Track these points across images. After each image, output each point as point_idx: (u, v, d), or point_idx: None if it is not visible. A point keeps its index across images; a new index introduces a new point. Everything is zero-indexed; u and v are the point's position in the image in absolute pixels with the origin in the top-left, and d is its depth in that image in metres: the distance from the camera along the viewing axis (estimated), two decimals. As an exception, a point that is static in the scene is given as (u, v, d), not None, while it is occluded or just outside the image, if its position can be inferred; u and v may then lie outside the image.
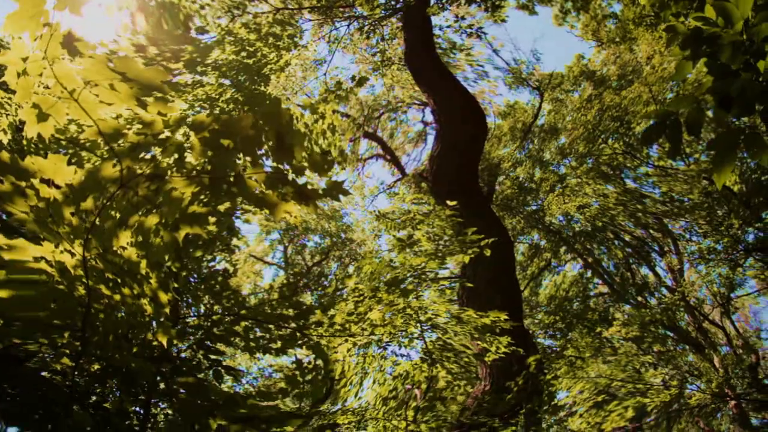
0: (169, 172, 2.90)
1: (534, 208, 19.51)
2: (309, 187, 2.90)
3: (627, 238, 20.45)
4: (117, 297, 3.01)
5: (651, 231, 20.19)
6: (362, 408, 6.89)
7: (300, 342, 4.82)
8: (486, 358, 6.84)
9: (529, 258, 20.52)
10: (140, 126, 2.78)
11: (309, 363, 5.19)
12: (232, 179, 2.84)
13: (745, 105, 2.96)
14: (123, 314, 3.20)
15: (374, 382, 6.93)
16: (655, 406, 13.46)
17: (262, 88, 10.25)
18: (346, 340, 5.72)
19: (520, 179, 19.65)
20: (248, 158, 2.86)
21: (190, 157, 2.93)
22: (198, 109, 8.78)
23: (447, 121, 10.75)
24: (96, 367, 3.48)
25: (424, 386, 6.67)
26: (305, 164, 2.90)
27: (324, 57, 17.17)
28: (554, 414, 13.58)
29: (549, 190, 18.60)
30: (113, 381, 3.62)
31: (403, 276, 6.29)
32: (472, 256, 6.97)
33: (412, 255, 6.75)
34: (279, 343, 4.71)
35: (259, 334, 4.89)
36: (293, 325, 4.87)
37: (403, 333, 6.47)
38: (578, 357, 15.27)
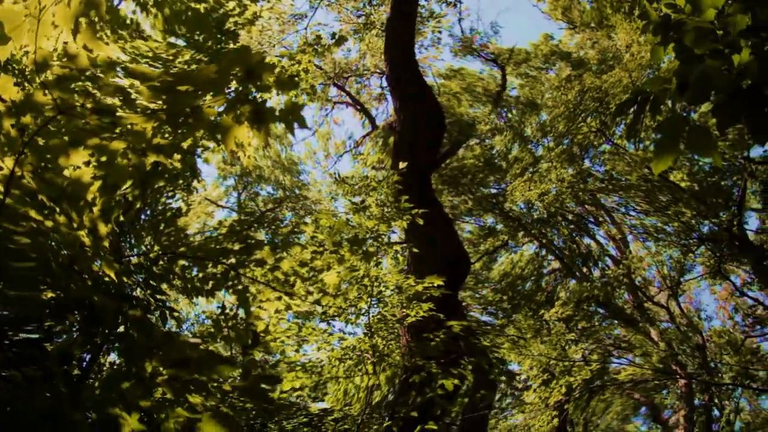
0: (119, 110, 2.84)
1: (494, 191, 19.53)
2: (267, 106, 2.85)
3: (570, 216, 20.87)
4: (49, 223, 2.93)
5: (586, 206, 20.66)
6: (316, 363, 7.03)
7: (229, 283, 4.73)
8: (405, 322, 7.22)
9: (481, 237, 20.55)
10: (65, 59, 2.70)
11: (231, 310, 5.14)
12: (189, 112, 2.77)
13: (699, 92, 2.94)
14: (55, 243, 3.12)
15: (319, 349, 7.10)
16: (577, 384, 14.43)
17: (231, 45, 9.69)
18: (280, 298, 5.42)
19: (494, 152, 19.57)
20: (210, 94, 2.80)
21: (141, 99, 2.86)
22: (144, 63, 8.15)
23: (407, 123, 10.72)
24: (50, 295, 3.37)
25: (370, 352, 6.95)
26: (271, 83, 2.84)
27: (305, 11, 16.68)
28: (510, 381, 14.18)
29: (519, 174, 18.49)
30: (75, 316, 3.51)
31: (363, 236, 6.31)
32: (408, 221, 7.26)
33: (366, 218, 6.86)
34: (210, 284, 4.65)
35: (194, 273, 4.82)
36: (232, 260, 4.76)
37: (354, 308, 6.65)
38: (520, 337, 15.83)
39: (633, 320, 19.30)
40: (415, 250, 8.41)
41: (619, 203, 19.10)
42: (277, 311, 5.55)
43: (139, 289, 4.65)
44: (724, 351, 17.16)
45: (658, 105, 3.17)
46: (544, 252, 21.13)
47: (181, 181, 6.97)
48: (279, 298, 5.34)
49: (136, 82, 2.75)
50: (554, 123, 17.80)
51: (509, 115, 19.82)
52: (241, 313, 5.15)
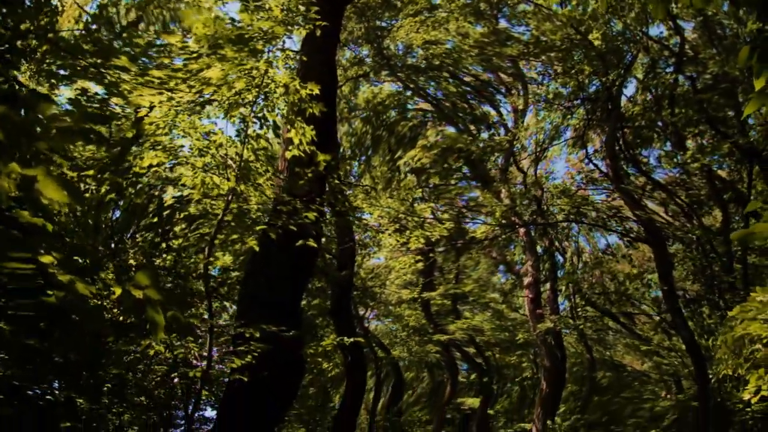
0: None
1: (383, 24, 19.04)
2: None
3: (469, 79, 21.01)
4: None
5: (502, 74, 20.99)
6: (176, 146, 6.61)
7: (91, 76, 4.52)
8: (287, 154, 7.27)
9: (351, 64, 20.21)
10: None
11: (97, 95, 4.88)
12: None
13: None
14: None
15: (186, 136, 6.57)
16: (436, 239, 15.99)
17: None
18: (161, 93, 5.15)
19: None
20: None
21: None
22: None
23: None
24: None
25: (237, 159, 6.75)
26: None
27: None
28: (357, 220, 14.74)
29: (412, 15, 17.89)
30: None
31: (251, 35, 5.67)
32: (309, 30, 7.16)
33: (259, 19, 6.08)
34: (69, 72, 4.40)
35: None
36: (92, 60, 4.62)
37: (238, 97, 6.03)
38: (372, 187, 16.30)
39: (490, 181, 20.78)
40: (305, 58, 8.35)
41: (539, 72, 19.15)
42: (160, 103, 5.33)
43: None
44: (557, 197, 18.81)
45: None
46: (409, 93, 21.25)
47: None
48: (160, 93, 5.10)
49: None
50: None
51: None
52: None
